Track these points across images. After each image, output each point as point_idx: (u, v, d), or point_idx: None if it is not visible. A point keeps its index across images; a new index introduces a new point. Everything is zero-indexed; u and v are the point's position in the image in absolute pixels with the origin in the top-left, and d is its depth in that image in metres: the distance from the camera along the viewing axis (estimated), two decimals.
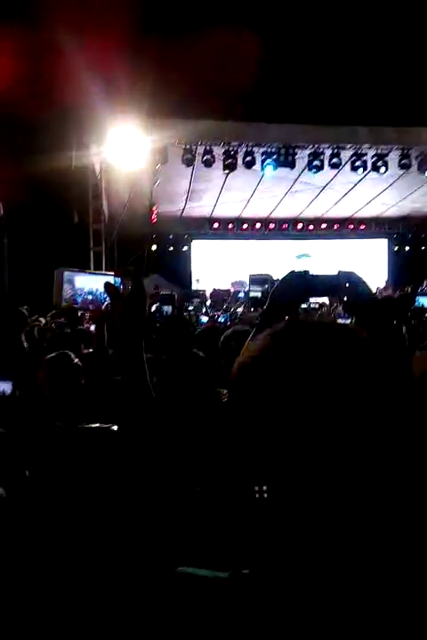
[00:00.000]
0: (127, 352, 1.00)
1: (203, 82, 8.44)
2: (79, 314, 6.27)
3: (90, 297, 8.32)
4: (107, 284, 1.02)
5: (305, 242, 14.56)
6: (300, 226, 14.43)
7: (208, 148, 9.38)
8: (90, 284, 8.65)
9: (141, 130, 8.67)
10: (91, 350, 3.22)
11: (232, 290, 12.63)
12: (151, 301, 10.60)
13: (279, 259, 13.90)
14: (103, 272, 9.67)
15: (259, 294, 9.93)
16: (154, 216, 11.00)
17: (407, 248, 14.34)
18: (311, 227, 14.39)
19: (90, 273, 9.31)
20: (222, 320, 8.91)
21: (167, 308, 9.00)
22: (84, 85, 7.88)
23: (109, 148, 8.84)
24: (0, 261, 10.39)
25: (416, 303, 8.27)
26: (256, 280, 10.23)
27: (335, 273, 1.26)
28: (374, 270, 14.42)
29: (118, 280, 1.08)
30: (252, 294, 9.74)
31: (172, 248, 13.81)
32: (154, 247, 13.41)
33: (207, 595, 0.61)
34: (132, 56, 7.93)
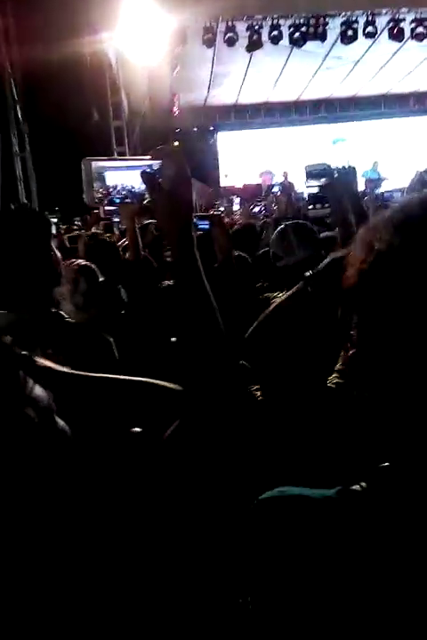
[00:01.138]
0: (180, 251, 0.85)
1: None
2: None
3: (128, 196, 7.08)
4: (143, 173, 0.87)
5: (340, 124, 13.68)
6: (333, 107, 13.52)
7: (230, 24, 8.65)
8: (123, 178, 7.60)
9: (156, 7, 8.01)
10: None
11: (262, 181, 12.16)
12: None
13: (313, 145, 13.15)
14: (136, 157, 8.87)
15: (317, 189, 9.34)
16: (175, 108, 10.46)
17: None
18: (345, 107, 13.45)
19: (121, 160, 8.54)
20: (257, 211, 8.51)
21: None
22: None
23: (123, 32, 8.24)
24: (24, 170, 10.28)
25: None
26: (314, 173, 9.64)
27: None
28: (416, 149, 13.54)
29: (155, 166, 0.89)
30: (309, 190, 9.19)
31: (199, 141, 13.22)
32: (176, 143, 12.88)
33: (318, 515, 0.55)
34: None
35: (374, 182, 11.94)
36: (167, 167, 0.88)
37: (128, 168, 7.92)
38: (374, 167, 12.47)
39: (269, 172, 12.66)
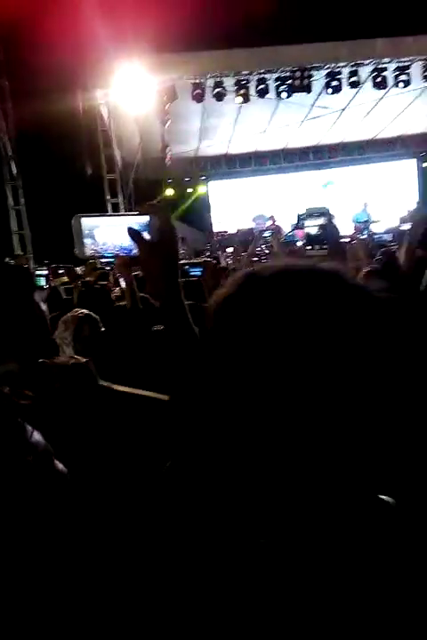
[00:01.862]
0: (166, 298, 0.89)
1: (207, 10, 7.97)
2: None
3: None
4: (129, 229, 0.92)
5: (327, 170, 13.99)
6: (321, 153, 13.84)
7: (218, 80, 8.94)
8: (113, 237, 8.25)
9: (147, 67, 8.29)
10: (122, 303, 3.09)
11: (255, 226, 12.30)
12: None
13: (302, 190, 13.42)
14: (124, 214, 9.26)
15: (316, 230, 9.41)
16: (168, 159, 10.69)
17: None
18: (333, 153, 13.79)
19: (110, 217, 8.98)
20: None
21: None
22: (87, 24, 7.56)
23: (116, 90, 8.51)
24: (19, 223, 10.42)
25: None
26: (313, 213, 9.76)
27: None
28: (403, 192, 13.83)
29: (142, 223, 0.93)
30: (307, 230, 9.27)
31: (190, 190, 13.46)
32: (170, 192, 13.10)
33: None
34: None
35: (364, 224, 12.15)
36: (154, 221, 0.91)
37: (117, 225, 8.29)
38: (364, 209, 12.70)
39: (262, 217, 12.84)
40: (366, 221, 12.28)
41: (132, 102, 8.67)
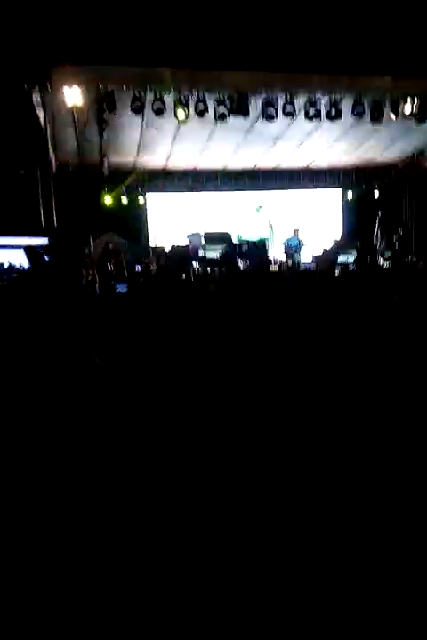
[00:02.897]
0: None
1: (150, 26, 8.09)
2: None
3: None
4: (26, 248, 1.00)
5: (262, 193, 14.45)
6: (256, 176, 14.28)
7: (158, 95, 9.03)
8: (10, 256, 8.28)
9: (87, 75, 8.28)
10: None
11: (190, 244, 12.46)
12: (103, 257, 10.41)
13: (237, 210, 13.80)
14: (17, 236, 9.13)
15: (217, 254, 9.77)
16: (105, 168, 10.64)
17: (359, 197, 14.47)
18: (267, 177, 14.27)
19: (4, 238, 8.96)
20: None
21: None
22: (26, 25, 7.46)
23: (54, 94, 8.41)
24: None
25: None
26: (213, 239, 10.06)
27: None
28: (329, 220, 14.56)
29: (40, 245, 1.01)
30: (208, 254, 9.54)
31: (125, 199, 13.43)
32: (107, 201, 13.02)
33: None
34: None
35: (294, 249, 12.65)
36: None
37: (12, 247, 8.41)
38: (294, 235, 13.19)
39: (197, 234, 12.99)
40: (297, 246, 12.78)
41: (71, 107, 8.60)
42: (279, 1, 8.50)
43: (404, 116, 9.78)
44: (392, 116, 9.77)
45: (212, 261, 9.41)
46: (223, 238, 10.17)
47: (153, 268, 10.92)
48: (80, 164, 11.36)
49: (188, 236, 12.65)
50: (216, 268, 9.00)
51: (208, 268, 9.24)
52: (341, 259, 11.08)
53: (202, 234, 12.34)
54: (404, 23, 8.78)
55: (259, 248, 10.82)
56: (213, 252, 9.80)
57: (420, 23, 8.76)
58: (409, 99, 9.62)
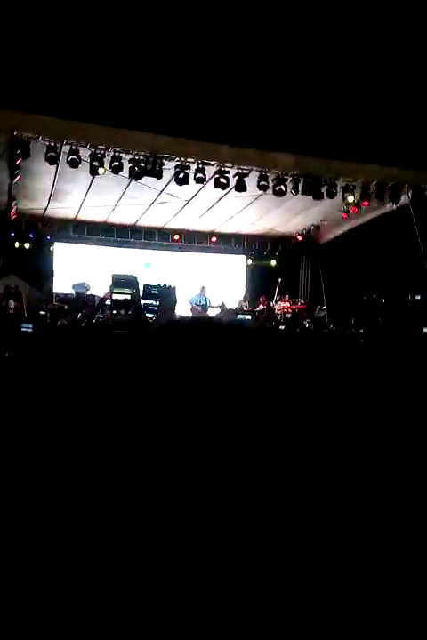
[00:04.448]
0: None
1: (71, 79, 8.33)
2: None
3: None
4: None
5: (168, 252, 14.87)
6: (166, 235, 14.70)
7: (74, 147, 9.18)
8: None
9: (3, 120, 8.26)
10: None
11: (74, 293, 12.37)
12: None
13: (141, 266, 14.05)
14: None
15: (126, 296, 9.87)
16: (13, 212, 10.45)
17: (264, 263, 15.38)
18: (176, 237, 14.74)
19: None
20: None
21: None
22: None
23: None
24: None
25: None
26: (120, 282, 10.16)
27: None
28: (234, 282, 15.26)
29: None
30: (115, 297, 9.62)
31: (28, 245, 13.18)
32: (16, 245, 12.80)
33: None
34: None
35: (202, 308, 13.07)
36: None
37: None
38: (201, 292, 13.64)
39: (83, 285, 12.81)
40: (205, 305, 13.22)
41: None
42: (197, 74, 9.16)
43: (303, 191, 10.73)
44: (292, 192, 10.68)
45: (118, 304, 9.47)
46: (130, 282, 10.31)
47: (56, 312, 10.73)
48: None
49: (73, 286, 12.58)
50: (122, 311, 9.07)
51: (114, 311, 9.28)
52: (239, 317, 11.71)
53: (87, 284, 12.37)
54: (305, 104, 9.81)
55: (168, 294, 11.05)
56: (120, 296, 9.91)
57: (320, 105, 9.84)
58: (308, 177, 10.58)
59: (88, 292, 12.13)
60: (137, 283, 10.40)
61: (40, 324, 7.12)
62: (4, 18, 7.36)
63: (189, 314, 12.84)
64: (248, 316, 12.34)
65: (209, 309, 13.11)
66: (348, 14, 9.19)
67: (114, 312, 8.79)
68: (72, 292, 12.51)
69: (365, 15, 9.20)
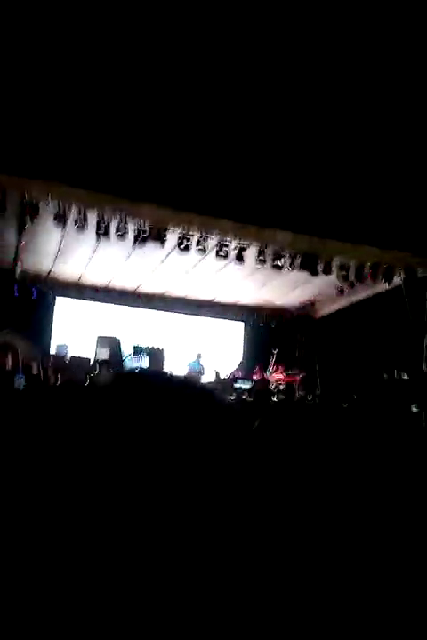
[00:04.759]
0: None
1: (79, 148, 8.78)
2: None
3: None
4: None
5: (169, 314, 15.14)
6: (166, 302, 15.00)
7: (81, 212, 9.58)
8: None
9: (14, 183, 8.68)
10: None
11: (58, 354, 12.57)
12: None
13: (145, 328, 14.35)
14: None
15: (106, 356, 10.26)
16: (18, 270, 10.77)
17: (260, 333, 15.59)
18: (176, 303, 15.04)
19: None
20: None
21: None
22: None
23: None
24: None
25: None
26: (103, 342, 10.54)
27: None
28: (232, 349, 15.44)
29: None
30: (99, 356, 9.99)
31: (30, 305, 13.42)
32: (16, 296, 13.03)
33: None
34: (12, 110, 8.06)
35: (197, 374, 13.20)
36: None
37: None
38: (197, 359, 13.80)
39: (64, 346, 13.05)
40: (200, 372, 13.35)
41: None
42: (199, 153, 9.66)
43: (300, 267, 11.06)
44: (289, 268, 11.02)
45: (101, 363, 9.83)
46: (112, 341, 10.68)
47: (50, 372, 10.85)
48: None
49: (57, 345, 12.81)
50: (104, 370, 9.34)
51: (96, 371, 9.56)
52: (237, 384, 11.82)
53: (66, 345, 12.62)
54: (304, 185, 10.24)
55: (156, 357, 11.27)
56: (102, 355, 10.26)
57: (318, 188, 10.27)
58: (304, 254, 10.95)
59: (68, 354, 12.37)
60: (118, 343, 10.77)
61: (33, 380, 7.29)
62: (10, 90, 7.88)
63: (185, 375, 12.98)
64: (247, 384, 12.45)
65: (202, 377, 13.25)
66: (346, 89, 9.78)
67: (96, 372, 9.16)
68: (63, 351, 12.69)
69: (363, 91, 9.77)
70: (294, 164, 10.13)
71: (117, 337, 11.28)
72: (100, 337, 11.07)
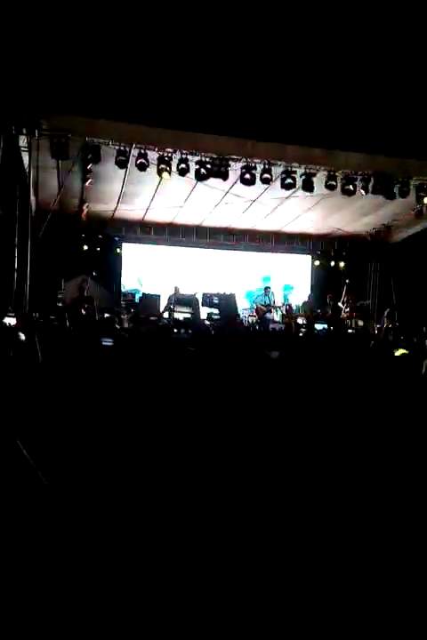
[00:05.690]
0: None
1: (141, 86, 8.50)
2: None
3: None
4: None
5: (234, 252, 14.89)
6: (230, 236, 14.72)
7: (143, 151, 9.37)
8: None
9: (75, 126, 8.55)
10: None
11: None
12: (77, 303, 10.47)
13: (210, 268, 14.23)
14: None
15: (187, 316, 10.15)
16: (84, 214, 10.83)
17: (331, 264, 15.05)
18: (241, 238, 14.73)
19: None
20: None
21: None
22: (20, 70, 7.70)
23: (41, 140, 8.62)
24: None
25: None
26: (182, 301, 10.41)
27: None
28: (299, 282, 15.06)
29: None
30: (176, 315, 9.86)
31: (99, 248, 13.57)
32: (85, 247, 13.23)
33: None
34: (73, 50, 7.86)
35: (267, 308, 13.06)
36: None
37: None
38: (266, 292, 13.60)
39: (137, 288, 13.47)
40: (269, 305, 13.18)
41: (56, 155, 8.80)
42: (264, 78, 9.09)
43: (373, 191, 10.38)
44: (362, 192, 10.35)
45: (179, 323, 9.76)
46: (190, 301, 10.57)
47: (124, 317, 11.03)
48: (60, 209, 11.51)
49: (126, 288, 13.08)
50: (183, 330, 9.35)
51: (175, 330, 9.56)
52: (317, 326, 11.58)
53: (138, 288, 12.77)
54: (378, 102, 9.48)
55: (228, 303, 11.13)
56: (181, 314, 10.20)
57: (393, 104, 9.48)
58: (379, 176, 10.23)
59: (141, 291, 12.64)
60: (197, 302, 10.62)
61: (119, 338, 7.44)
62: (74, 29, 7.63)
63: (254, 313, 12.88)
64: (324, 325, 12.11)
65: (272, 310, 13.06)
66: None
67: (175, 331, 9.07)
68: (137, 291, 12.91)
69: None
70: (367, 79, 9.34)
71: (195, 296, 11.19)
72: (179, 295, 10.96)
